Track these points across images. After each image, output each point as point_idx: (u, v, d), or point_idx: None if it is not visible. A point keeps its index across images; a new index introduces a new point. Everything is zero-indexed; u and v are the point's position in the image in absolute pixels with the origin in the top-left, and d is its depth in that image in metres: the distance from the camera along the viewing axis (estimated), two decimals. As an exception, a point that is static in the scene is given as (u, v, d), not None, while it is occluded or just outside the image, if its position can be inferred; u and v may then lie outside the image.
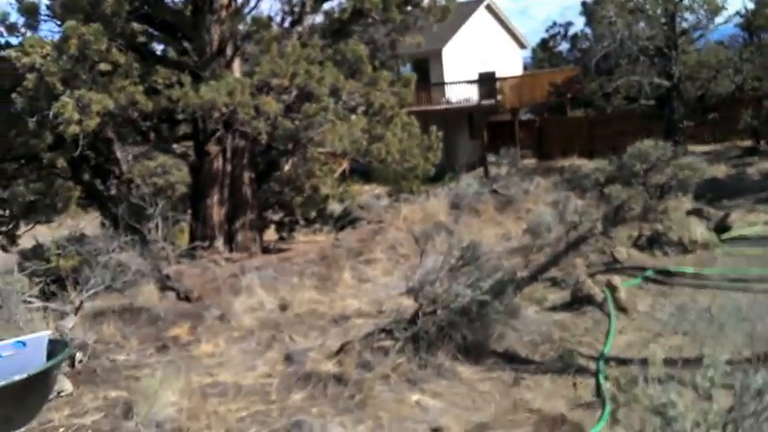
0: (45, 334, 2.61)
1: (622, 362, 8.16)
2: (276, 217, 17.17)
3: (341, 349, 8.87)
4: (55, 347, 2.52)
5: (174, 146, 15.00)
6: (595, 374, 7.99)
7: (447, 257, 9.85)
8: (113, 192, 13.27)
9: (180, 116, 14.47)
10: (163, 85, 13.13)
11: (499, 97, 28.01)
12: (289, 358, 8.80)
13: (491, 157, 26.78)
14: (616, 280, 10.64)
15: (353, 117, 14.38)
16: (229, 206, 14.60)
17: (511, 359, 8.70)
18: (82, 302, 8.55)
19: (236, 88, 11.96)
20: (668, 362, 6.39)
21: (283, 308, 10.87)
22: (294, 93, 13.45)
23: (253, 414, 7.25)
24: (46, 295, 9.12)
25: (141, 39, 13.79)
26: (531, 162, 27.84)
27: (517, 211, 18.14)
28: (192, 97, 11.81)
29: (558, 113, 33.41)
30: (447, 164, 24.92)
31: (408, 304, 9.97)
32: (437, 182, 22.73)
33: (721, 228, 13.59)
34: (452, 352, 8.66)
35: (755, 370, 3.57)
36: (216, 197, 14.42)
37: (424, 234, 13.47)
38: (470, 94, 29.06)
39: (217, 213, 14.38)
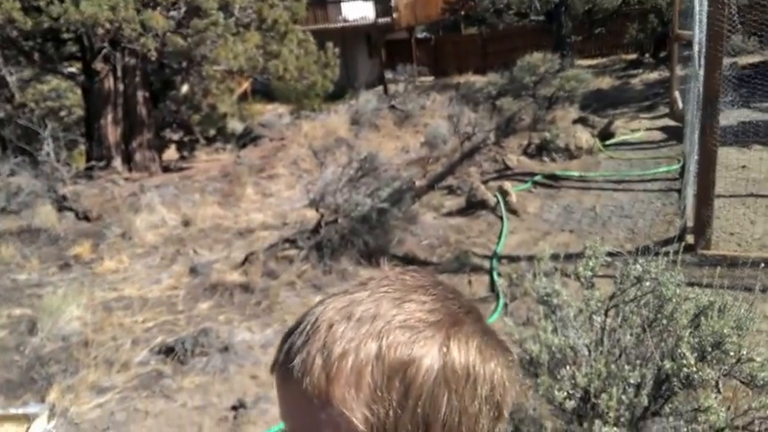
0: None
1: (514, 259, 8.53)
2: (176, 136, 16.84)
3: (246, 260, 8.97)
4: None
5: (67, 68, 14.37)
6: (489, 272, 8.33)
7: (346, 169, 10.08)
8: (1, 114, 12.72)
9: (65, 35, 13.86)
10: (44, 3, 12.50)
11: (395, 15, 27.63)
12: (194, 271, 8.86)
13: (389, 75, 26.74)
14: (507, 185, 10.95)
15: (247, 34, 14.16)
16: (125, 126, 14.21)
17: (410, 261, 8.91)
18: (-23, 224, 8.39)
19: (119, 3, 11.55)
20: (555, 257, 6.63)
21: (186, 224, 10.84)
22: (183, 9, 13.11)
23: (160, 324, 7.36)
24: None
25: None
26: (428, 79, 27.96)
27: (415, 126, 18.23)
28: (73, 13, 11.34)
29: (454, 31, 33.52)
30: (347, 82, 24.89)
31: (311, 216, 10.14)
32: (338, 100, 22.66)
33: (605, 134, 14.08)
34: (355, 257, 8.90)
35: (635, 260, 3.68)
36: (110, 117, 13.99)
37: (325, 148, 13.62)
38: (367, 13, 28.60)
39: (112, 134, 14.00)
